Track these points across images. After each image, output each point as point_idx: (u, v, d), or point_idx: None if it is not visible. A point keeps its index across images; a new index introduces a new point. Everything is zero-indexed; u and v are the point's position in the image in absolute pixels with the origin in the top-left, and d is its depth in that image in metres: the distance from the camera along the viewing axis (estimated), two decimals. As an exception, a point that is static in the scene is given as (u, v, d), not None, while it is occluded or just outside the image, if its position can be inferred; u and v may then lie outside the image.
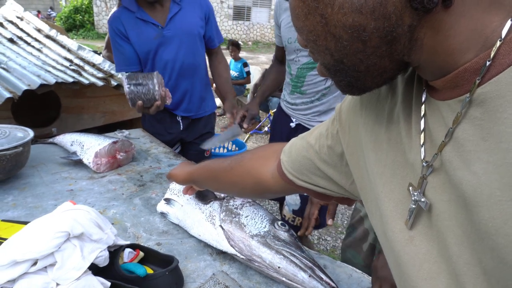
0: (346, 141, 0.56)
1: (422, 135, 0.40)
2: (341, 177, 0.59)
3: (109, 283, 0.68)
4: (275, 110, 1.74)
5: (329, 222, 1.05)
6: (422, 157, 0.39)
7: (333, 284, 0.75)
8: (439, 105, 0.38)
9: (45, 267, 0.64)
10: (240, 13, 16.29)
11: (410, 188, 0.41)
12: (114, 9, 2.98)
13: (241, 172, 0.76)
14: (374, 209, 0.49)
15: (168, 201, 1.05)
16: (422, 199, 0.39)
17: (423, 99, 0.41)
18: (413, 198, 0.40)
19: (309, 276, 0.76)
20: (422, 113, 0.40)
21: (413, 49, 0.37)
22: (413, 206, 0.40)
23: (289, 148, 0.67)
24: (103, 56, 3.16)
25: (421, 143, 0.40)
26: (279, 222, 0.88)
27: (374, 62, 0.38)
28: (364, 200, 0.54)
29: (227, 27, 16.30)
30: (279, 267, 0.78)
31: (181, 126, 1.78)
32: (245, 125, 1.50)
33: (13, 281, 0.63)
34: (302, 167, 0.63)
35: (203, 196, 0.99)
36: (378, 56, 0.37)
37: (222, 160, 0.83)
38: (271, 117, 4.61)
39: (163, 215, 1.05)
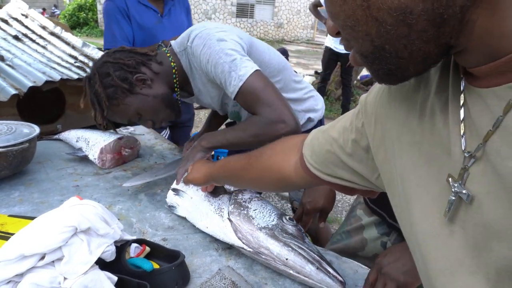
0: (372, 134, 0.54)
1: (462, 125, 0.38)
2: (367, 171, 0.57)
3: (116, 278, 0.68)
4: None
5: (321, 225, 1.08)
6: (463, 147, 0.37)
7: (340, 278, 0.75)
8: (481, 93, 0.36)
9: (53, 261, 0.65)
10: (244, 11, 16.25)
11: (450, 179, 0.39)
12: None
13: (262, 168, 0.75)
14: (403, 204, 0.47)
15: (177, 192, 1.04)
16: (464, 191, 0.37)
17: (461, 87, 0.39)
18: (453, 190, 0.38)
19: (317, 268, 0.76)
20: (461, 102, 0.38)
21: (462, 31, 0.34)
22: (453, 198, 0.38)
23: (310, 141, 0.65)
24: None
25: (462, 133, 0.38)
26: (287, 217, 0.89)
27: (418, 48, 0.35)
28: (390, 194, 0.52)
29: (230, 25, 16.24)
30: (286, 259, 0.78)
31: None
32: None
33: (21, 275, 0.63)
34: (327, 161, 0.61)
35: (214, 191, 1.00)
36: (423, 41, 0.35)
37: (238, 158, 0.82)
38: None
39: (171, 208, 1.05)
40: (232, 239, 0.86)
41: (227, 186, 1.02)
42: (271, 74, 1.13)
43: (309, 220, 1.07)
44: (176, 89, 1.14)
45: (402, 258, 0.76)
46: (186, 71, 1.11)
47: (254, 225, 0.86)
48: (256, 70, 0.99)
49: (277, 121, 0.98)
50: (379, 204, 0.97)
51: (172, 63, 1.10)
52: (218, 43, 0.98)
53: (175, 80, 1.11)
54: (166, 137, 2.01)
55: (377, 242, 0.99)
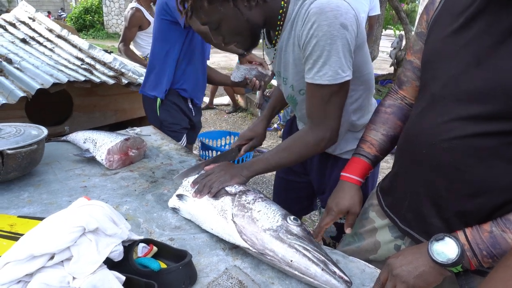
0: None
1: None
2: None
3: (123, 277, 0.68)
4: (285, 127, 1.52)
5: (347, 230, 1.03)
6: None
7: (346, 278, 0.75)
8: None
9: (62, 261, 0.65)
10: None
11: None
12: (133, 2, 3.04)
13: None
14: None
15: (180, 196, 1.05)
16: None
17: None
18: None
19: (322, 269, 0.76)
20: None
21: None
22: None
23: None
24: (119, 49, 3.19)
25: None
26: (292, 217, 0.88)
27: None
28: None
29: None
30: (291, 261, 0.78)
31: (193, 112, 2.10)
32: (241, 152, 1.35)
33: (31, 275, 0.64)
34: None
35: (216, 194, 1.00)
36: None
37: None
38: (281, 114, 4.59)
39: (175, 210, 1.06)
40: (238, 241, 0.86)
41: (229, 188, 1.01)
42: (354, 88, 1.09)
43: (330, 222, 1.02)
44: (277, 32, 1.04)
45: (415, 261, 0.74)
46: (287, 18, 1.00)
47: (258, 227, 0.85)
48: (347, 80, 0.95)
49: (324, 139, 1.02)
50: (392, 209, 0.96)
51: (282, 3, 0.99)
52: (339, 28, 0.89)
53: (279, 22, 1.01)
54: (184, 144, 2.09)
55: (391, 245, 0.97)
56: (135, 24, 3.12)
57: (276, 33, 1.05)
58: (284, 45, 1.05)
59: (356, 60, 1.00)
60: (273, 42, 1.11)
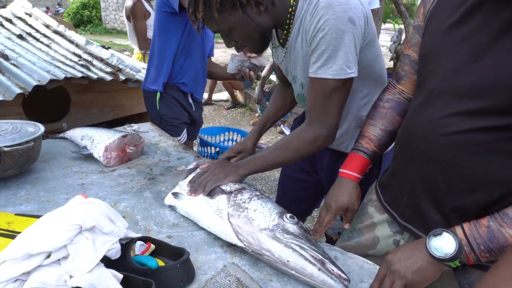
0: None
1: None
2: None
3: (121, 275, 0.68)
4: (292, 126, 1.50)
5: (346, 226, 1.03)
6: None
7: (344, 276, 0.75)
8: None
9: (58, 259, 0.65)
10: None
11: None
12: None
13: None
14: None
15: (176, 195, 1.05)
16: None
17: None
18: None
19: (318, 269, 0.75)
20: None
21: None
22: None
23: None
24: (141, 48, 3.20)
25: None
26: (288, 215, 0.87)
27: None
28: None
29: None
30: (288, 261, 0.78)
31: (193, 108, 2.09)
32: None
33: (28, 273, 0.64)
34: None
35: (211, 192, 0.99)
36: None
37: None
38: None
39: (172, 208, 1.06)
40: (234, 240, 0.86)
41: (224, 186, 1.01)
42: (366, 83, 1.09)
43: (330, 220, 1.01)
44: (285, 31, 1.04)
45: (413, 256, 0.75)
46: (296, 15, 1.00)
47: (254, 227, 0.84)
48: (351, 77, 0.94)
49: (321, 136, 1.01)
50: (391, 204, 0.95)
51: (292, 1, 0.98)
52: (347, 22, 0.88)
53: (288, 21, 1.01)
54: (184, 141, 2.07)
55: (390, 240, 0.97)
56: (141, 14, 3.12)
57: (285, 32, 1.04)
58: (293, 42, 1.04)
59: (368, 55, 0.99)
60: (281, 41, 1.10)
